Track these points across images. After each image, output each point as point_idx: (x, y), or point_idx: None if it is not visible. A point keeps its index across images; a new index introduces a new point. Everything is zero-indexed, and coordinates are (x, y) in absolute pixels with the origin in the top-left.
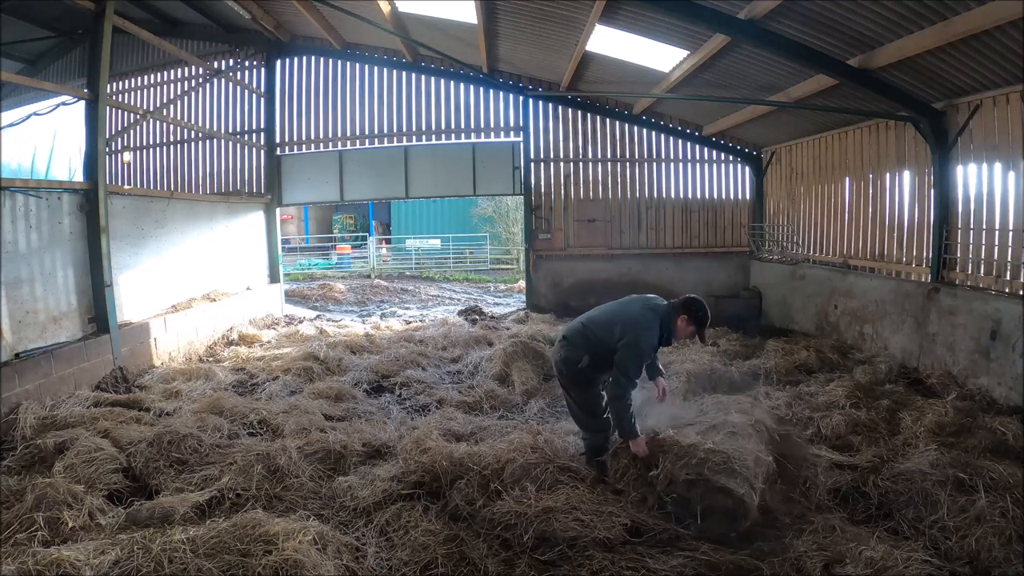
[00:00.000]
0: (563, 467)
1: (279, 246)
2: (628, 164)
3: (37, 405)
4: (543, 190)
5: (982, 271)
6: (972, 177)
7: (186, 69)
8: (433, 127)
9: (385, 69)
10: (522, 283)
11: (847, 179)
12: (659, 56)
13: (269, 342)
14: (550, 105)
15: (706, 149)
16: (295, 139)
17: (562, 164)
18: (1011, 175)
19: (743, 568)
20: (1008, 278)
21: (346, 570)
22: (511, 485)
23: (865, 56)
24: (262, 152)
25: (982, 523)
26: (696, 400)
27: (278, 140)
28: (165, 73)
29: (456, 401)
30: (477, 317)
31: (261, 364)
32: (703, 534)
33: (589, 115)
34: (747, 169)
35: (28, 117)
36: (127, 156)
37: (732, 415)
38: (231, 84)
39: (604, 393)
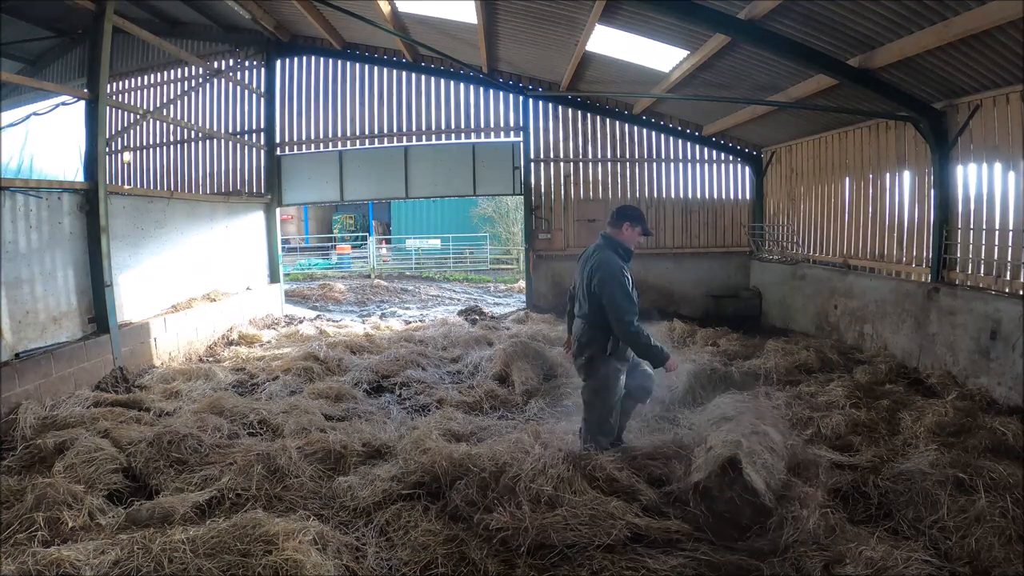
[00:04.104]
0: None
1: (279, 246)
2: (628, 164)
3: (37, 405)
4: (543, 190)
5: (982, 271)
6: (972, 177)
7: (186, 69)
8: (433, 127)
9: (385, 69)
10: (522, 283)
11: (847, 179)
12: (659, 56)
13: (269, 342)
14: (550, 105)
15: (706, 149)
16: (295, 139)
17: (562, 164)
18: (1011, 175)
19: (743, 568)
20: (1008, 278)
21: (346, 570)
22: (507, 499)
23: (865, 56)
24: (262, 152)
25: (982, 523)
26: (711, 395)
27: (278, 140)
28: (165, 73)
29: (456, 401)
30: (477, 317)
31: (261, 364)
32: (711, 530)
33: (589, 115)
34: (747, 169)
35: (28, 117)
36: (127, 156)
37: (753, 418)
38: (231, 84)
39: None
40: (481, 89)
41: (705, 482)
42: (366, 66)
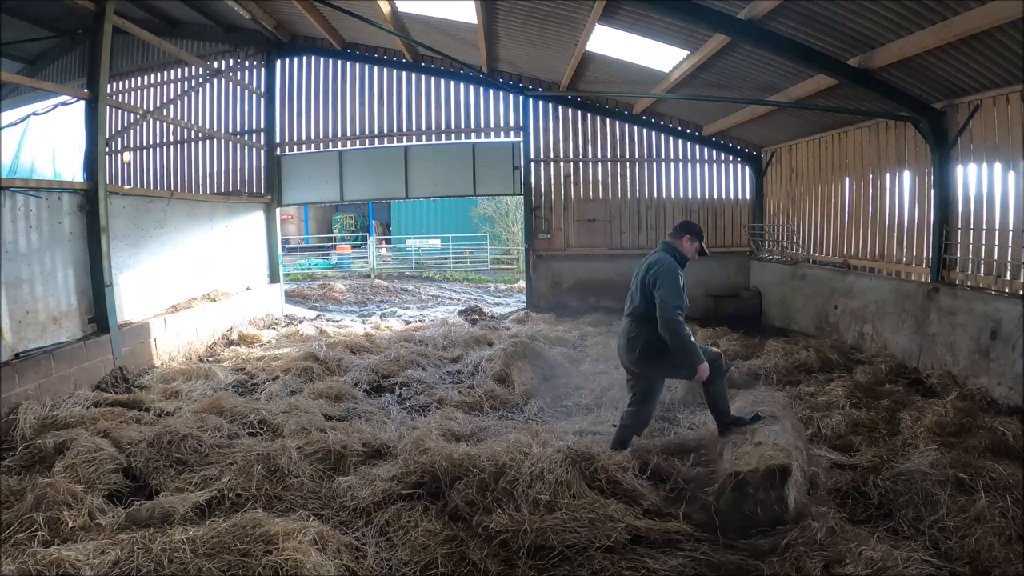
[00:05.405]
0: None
1: (279, 246)
2: (628, 164)
3: (37, 405)
4: (543, 190)
5: (982, 271)
6: (972, 177)
7: (186, 69)
8: (433, 127)
9: (385, 69)
10: (522, 283)
11: (847, 179)
12: (659, 56)
13: (269, 342)
14: (550, 105)
15: (706, 149)
16: (295, 139)
17: (562, 164)
18: (1011, 175)
19: (743, 568)
20: (1008, 278)
21: (346, 570)
22: (507, 500)
23: (865, 56)
24: (262, 152)
25: (982, 523)
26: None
27: (278, 140)
28: (165, 73)
29: (456, 401)
30: (477, 317)
31: (261, 364)
32: (721, 521)
33: (589, 115)
34: (747, 169)
35: (27, 117)
36: (127, 156)
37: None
38: (231, 84)
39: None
40: (481, 89)
41: (748, 477)
42: (366, 66)
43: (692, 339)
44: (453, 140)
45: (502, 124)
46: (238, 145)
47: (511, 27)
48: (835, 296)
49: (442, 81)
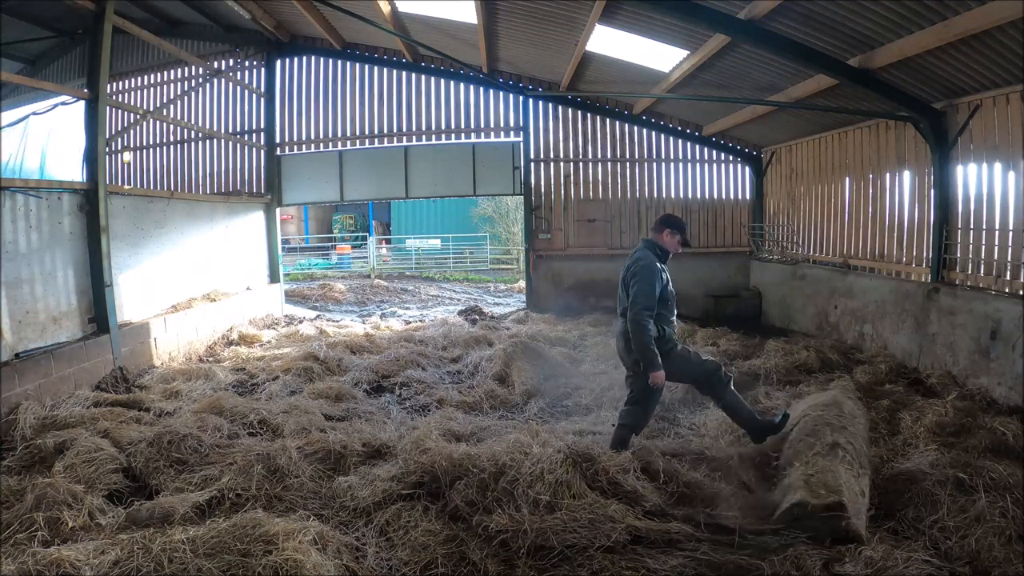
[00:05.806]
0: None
1: (279, 246)
2: (628, 164)
3: (37, 405)
4: (543, 190)
5: (982, 271)
6: (972, 177)
7: (186, 69)
8: (433, 127)
9: (385, 69)
10: (522, 283)
11: (847, 179)
12: (659, 56)
13: (269, 342)
14: (550, 105)
15: (706, 149)
16: (295, 139)
17: (562, 164)
18: (1011, 175)
19: (743, 568)
20: (1008, 278)
21: (346, 570)
22: (507, 500)
23: (865, 56)
24: (262, 152)
25: (982, 523)
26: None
27: (278, 140)
28: (165, 73)
29: (456, 401)
30: (477, 317)
31: (261, 364)
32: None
33: (589, 115)
34: (747, 169)
35: (27, 117)
36: (127, 156)
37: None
38: (231, 84)
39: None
40: (481, 89)
41: (849, 518)
42: (366, 66)
43: (653, 344)
44: (453, 140)
45: (502, 124)
46: (238, 145)
47: (511, 27)
48: (835, 296)
49: (442, 81)
